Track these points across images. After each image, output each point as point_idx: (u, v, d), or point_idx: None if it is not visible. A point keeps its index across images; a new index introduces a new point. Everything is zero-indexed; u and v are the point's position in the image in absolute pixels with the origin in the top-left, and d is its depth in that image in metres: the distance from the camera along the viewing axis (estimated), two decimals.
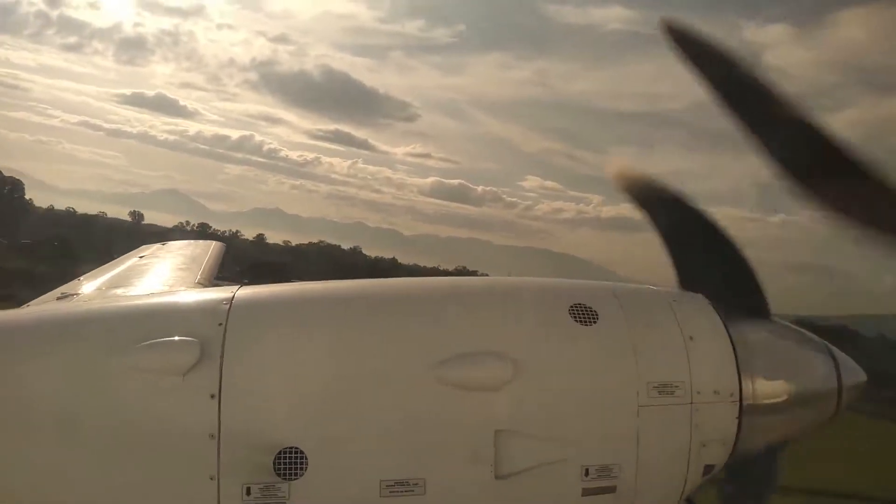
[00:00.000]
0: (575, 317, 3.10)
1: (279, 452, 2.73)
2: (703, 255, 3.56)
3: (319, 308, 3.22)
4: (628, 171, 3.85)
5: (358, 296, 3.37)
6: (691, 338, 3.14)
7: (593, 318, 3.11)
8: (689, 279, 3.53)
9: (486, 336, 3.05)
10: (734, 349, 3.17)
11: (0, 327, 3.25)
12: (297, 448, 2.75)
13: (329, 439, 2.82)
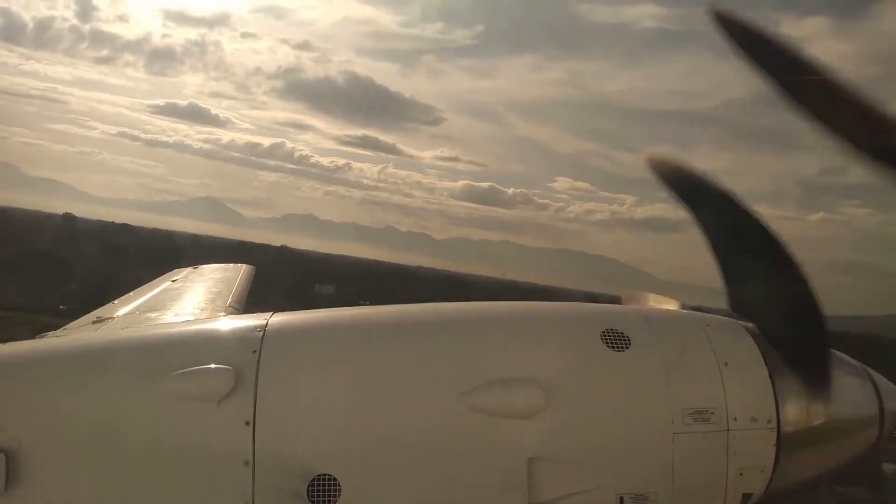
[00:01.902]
0: (607, 343, 3.07)
1: (313, 479, 2.74)
2: (758, 275, 3.30)
3: (352, 335, 3.21)
4: (666, 161, 3.55)
5: (390, 322, 3.36)
6: (726, 363, 3.08)
7: (626, 344, 3.07)
8: (740, 300, 3.38)
9: (519, 363, 3.03)
10: (770, 375, 3.09)
11: (40, 354, 3.32)
12: (330, 475, 2.75)
13: (362, 466, 2.82)
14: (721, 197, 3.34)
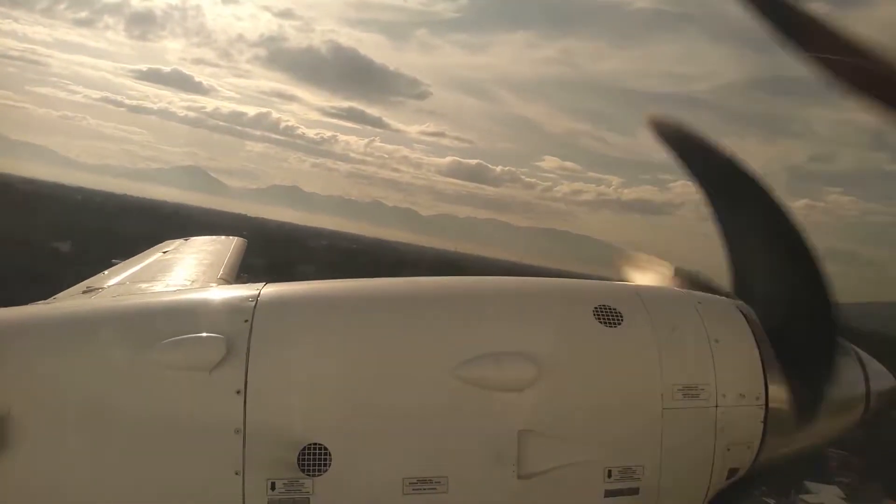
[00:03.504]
0: (599, 318, 3.08)
1: (303, 449, 2.75)
2: (764, 253, 3.35)
3: (344, 306, 3.21)
4: (670, 124, 3.59)
5: (382, 294, 3.37)
6: (717, 340, 3.11)
7: (618, 320, 3.09)
8: (743, 280, 3.44)
9: (510, 336, 3.04)
10: (760, 352, 3.13)
11: (29, 321, 3.30)
12: (320, 444, 2.76)
13: (352, 436, 2.83)
14: (725, 162, 3.32)
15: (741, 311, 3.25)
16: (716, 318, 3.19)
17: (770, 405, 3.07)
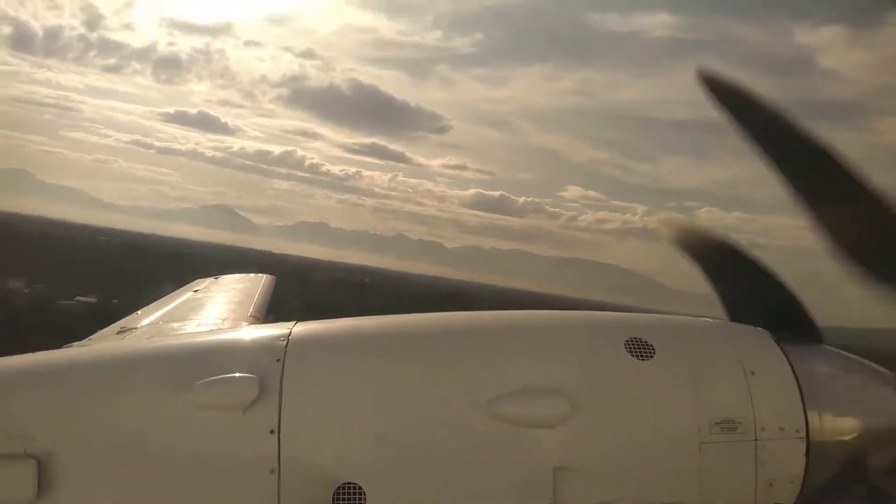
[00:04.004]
0: (631, 351, 3.04)
1: (338, 488, 2.74)
2: (746, 287, 3.49)
3: (375, 344, 3.21)
4: (674, 223, 3.84)
5: (412, 331, 3.36)
6: (753, 372, 3.04)
7: (650, 353, 3.04)
8: (737, 314, 3.44)
9: (542, 371, 3.01)
10: (798, 383, 3.05)
11: (67, 364, 3.34)
12: (355, 484, 2.75)
13: (386, 475, 2.81)
14: (717, 241, 3.53)
15: (776, 341, 3.17)
16: (750, 349, 3.12)
17: (812, 438, 2.98)
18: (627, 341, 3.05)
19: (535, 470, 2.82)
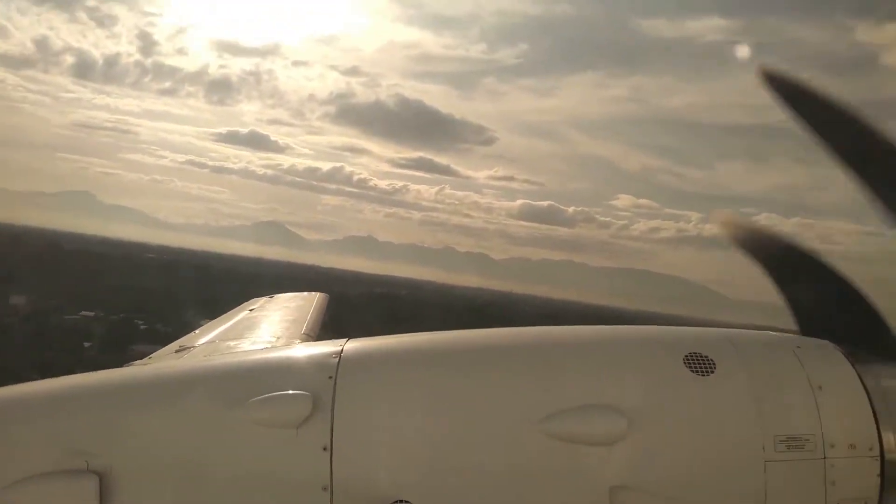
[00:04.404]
0: (690, 367, 2.95)
1: None
2: (820, 298, 3.34)
3: (428, 360, 3.20)
4: (735, 223, 3.70)
5: (466, 347, 3.33)
6: (820, 387, 2.92)
7: (710, 368, 2.95)
8: (809, 325, 3.30)
9: (598, 388, 2.95)
10: (870, 400, 2.92)
11: (128, 382, 3.43)
12: (407, 502, 2.73)
13: (439, 493, 2.79)
14: (783, 242, 3.38)
15: (845, 355, 3.03)
16: (818, 363, 2.99)
17: (886, 456, 2.83)
18: (687, 356, 2.96)
19: (592, 489, 2.75)
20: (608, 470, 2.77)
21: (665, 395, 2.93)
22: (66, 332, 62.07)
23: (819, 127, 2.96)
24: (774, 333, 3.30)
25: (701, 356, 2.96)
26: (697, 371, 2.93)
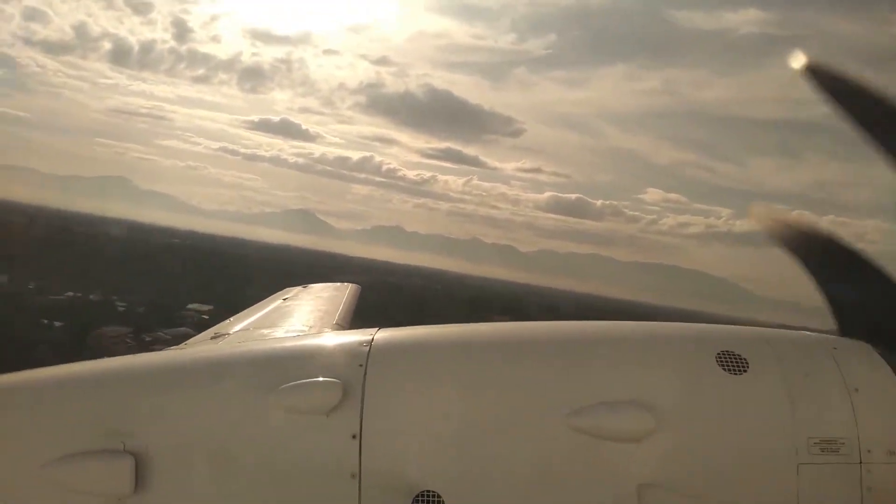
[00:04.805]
0: (723, 365, 2.91)
1: (417, 495, 2.74)
2: (861, 297, 3.24)
3: (457, 351, 3.21)
4: (774, 216, 3.59)
5: (496, 339, 3.34)
6: (857, 389, 2.86)
7: (743, 367, 2.90)
8: (848, 325, 3.20)
9: (627, 384, 2.92)
10: None
11: (164, 366, 3.51)
12: (434, 492, 2.74)
13: (466, 484, 2.79)
14: (823, 237, 3.22)
15: (884, 357, 2.96)
16: (855, 365, 2.92)
17: None
18: (719, 354, 2.92)
19: (619, 485, 2.73)
20: (636, 467, 2.75)
21: (696, 393, 2.90)
22: (36, 311, 62.32)
23: (867, 123, 2.88)
24: (810, 333, 3.24)
25: (734, 355, 2.92)
26: (730, 369, 2.89)
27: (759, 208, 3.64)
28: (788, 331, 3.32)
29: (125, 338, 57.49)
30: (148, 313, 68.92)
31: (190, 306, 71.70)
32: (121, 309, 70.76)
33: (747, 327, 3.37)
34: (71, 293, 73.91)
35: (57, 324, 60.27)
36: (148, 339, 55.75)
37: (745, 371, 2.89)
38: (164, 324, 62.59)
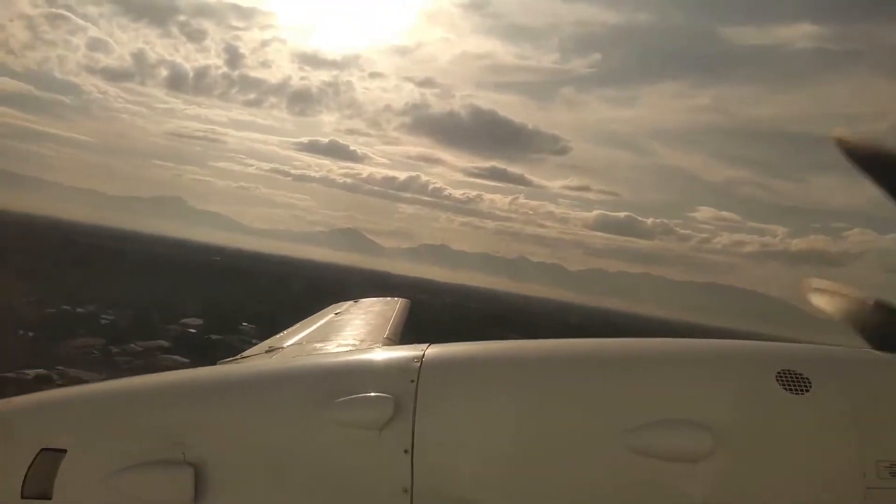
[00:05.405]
0: (784, 384, 2.82)
1: None
2: None
3: (509, 368, 3.18)
4: (855, 139, 3.23)
5: (550, 356, 3.31)
6: None
7: (805, 386, 2.80)
8: None
9: (684, 403, 2.86)
10: None
11: (221, 379, 3.61)
12: None
13: (517, 501, 2.78)
14: None
15: None
16: None
17: None
18: (779, 373, 2.82)
19: None
20: (692, 488, 2.68)
21: (755, 413, 2.81)
22: (52, 325, 62.55)
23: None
24: (875, 351, 3.08)
25: (795, 374, 2.81)
26: (791, 389, 2.78)
27: (839, 132, 3.20)
28: (850, 349, 3.18)
29: (92, 349, 57.96)
30: (137, 325, 68.87)
31: (183, 320, 72.74)
32: (104, 322, 70.83)
33: (808, 345, 3.25)
34: (81, 309, 75.11)
35: (31, 334, 59.61)
36: (115, 350, 56.52)
37: (807, 390, 2.77)
38: (145, 336, 63.07)
